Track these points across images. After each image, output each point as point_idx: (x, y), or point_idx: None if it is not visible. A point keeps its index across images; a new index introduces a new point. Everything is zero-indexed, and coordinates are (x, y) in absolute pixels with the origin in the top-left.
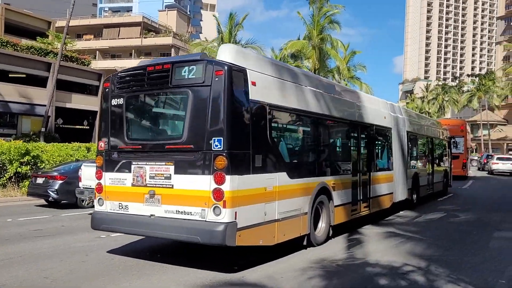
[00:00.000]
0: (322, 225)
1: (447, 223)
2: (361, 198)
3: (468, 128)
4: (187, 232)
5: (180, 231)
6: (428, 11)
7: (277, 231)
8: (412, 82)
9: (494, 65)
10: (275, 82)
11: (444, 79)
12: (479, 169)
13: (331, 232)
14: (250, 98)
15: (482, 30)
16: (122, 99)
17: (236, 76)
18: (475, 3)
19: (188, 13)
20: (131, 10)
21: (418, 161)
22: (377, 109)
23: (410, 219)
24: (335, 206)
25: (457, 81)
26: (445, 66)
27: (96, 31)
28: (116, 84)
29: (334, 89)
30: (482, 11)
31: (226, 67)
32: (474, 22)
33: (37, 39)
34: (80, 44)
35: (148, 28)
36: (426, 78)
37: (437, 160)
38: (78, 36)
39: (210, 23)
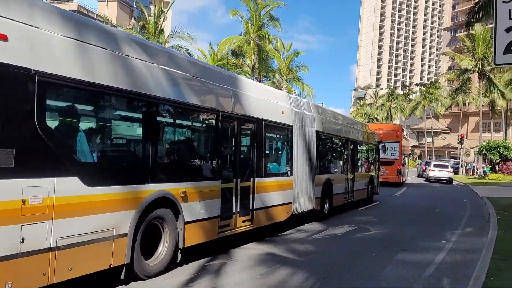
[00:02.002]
0: (162, 249)
1: (350, 240)
2: (238, 210)
3: (406, 133)
4: None
5: None
6: (381, 21)
7: (54, 266)
8: (364, 89)
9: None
10: (61, 43)
11: (395, 87)
12: (418, 175)
13: (179, 257)
14: None
15: (431, 41)
16: None
17: None
18: (425, 15)
19: (134, 6)
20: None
21: (333, 166)
22: (272, 101)
23: (309, 235)
24: (187, 223)
25: (406, 90)
26: (395, 75)
27: None
28: None
29: (194, 69)
30: (432, 23)
31: None
32: (424, 33)
33: None
34: None
35: None
36: (377, 85)
37: (360, 166)
38: None
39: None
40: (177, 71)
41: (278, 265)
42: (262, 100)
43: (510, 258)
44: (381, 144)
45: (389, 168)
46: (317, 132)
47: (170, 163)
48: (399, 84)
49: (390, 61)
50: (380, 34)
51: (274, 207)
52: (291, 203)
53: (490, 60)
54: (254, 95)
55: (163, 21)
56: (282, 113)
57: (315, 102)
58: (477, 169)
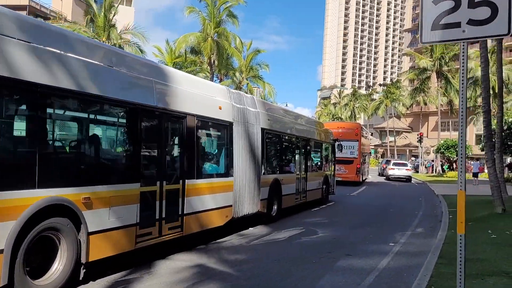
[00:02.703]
0: (58, 266)
1: (292, 245)
2: (163, 216)
3: (366, 132)
4: None
5: None
6: (345, 22)
7: None
8: (329, 89)
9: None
10: None
11: (359, 87)
12: (379, 174)
13: (82, 273)
14: None
15: (393, 42)
16: None
17: None
18: (388, 16)
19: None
20: None
21: (282, 165)
22: (207, 96)
23: (250, 240)
24: (92, 233)
25: (370, 90)
26: (360, 75)
27: None
28: None
29: (104, 56)
30: (394, 24)
31: None
32: (387, 35)
33: None
34: None
35: (36, 13)
36: (342, 85)
37: (313, 165)
38: None
39: (122, 15)
40: (78, 57)
41: (203, 278)
42: (194, 93)
43: (456, 262)
44: (337, 143)
45: (348, 167)
46: (262, 129)
47: (67, 164)
48: (363, 84)
49: (354, 61)
50: (345, 35)
51: (209, 211)
52: (231, 206)
53: (447, 60)
54: (183, 88)
55: (114, 15)
56: (220, 109)
57: (280, 101)
58: (436, 167)
